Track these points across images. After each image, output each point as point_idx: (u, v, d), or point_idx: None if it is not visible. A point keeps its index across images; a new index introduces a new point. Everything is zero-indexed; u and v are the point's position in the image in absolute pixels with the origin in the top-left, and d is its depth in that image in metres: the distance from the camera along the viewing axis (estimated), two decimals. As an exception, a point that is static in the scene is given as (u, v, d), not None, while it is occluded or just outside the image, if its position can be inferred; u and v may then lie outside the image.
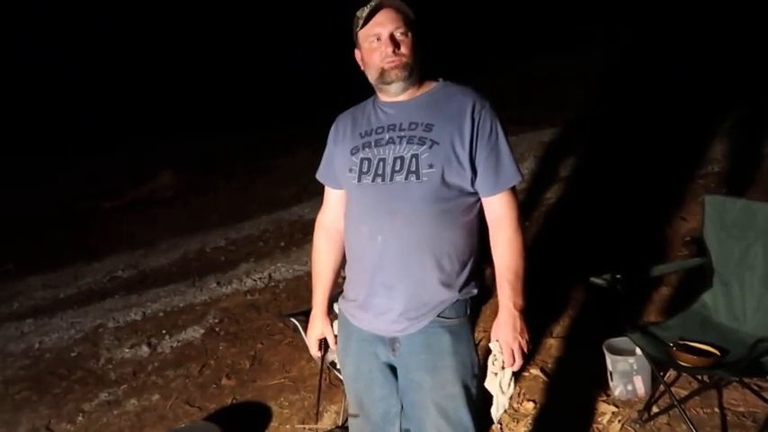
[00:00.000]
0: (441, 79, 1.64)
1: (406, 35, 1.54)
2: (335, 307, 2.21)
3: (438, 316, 1.55)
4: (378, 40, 1.54)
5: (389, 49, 1.53)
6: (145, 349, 3.87)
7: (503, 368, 1.54)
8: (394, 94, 1.59)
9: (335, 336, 1.79)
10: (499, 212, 1.56)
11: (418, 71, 1.58)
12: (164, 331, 4.07)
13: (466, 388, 1.56)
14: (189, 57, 13.16)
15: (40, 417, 3.33)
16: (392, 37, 1.53)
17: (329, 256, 1.76)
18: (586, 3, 10.06)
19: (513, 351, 1.51)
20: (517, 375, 1.56)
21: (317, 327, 1.79)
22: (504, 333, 1.52)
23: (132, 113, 12.12)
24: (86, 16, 13.75)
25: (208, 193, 7.78)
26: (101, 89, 13.04)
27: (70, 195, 8.62)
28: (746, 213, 2.31)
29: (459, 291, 1.56)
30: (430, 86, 1.62)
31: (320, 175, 1.76)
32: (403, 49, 1.54)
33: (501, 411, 1.57)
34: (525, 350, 1.53)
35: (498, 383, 1.55)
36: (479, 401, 1.60)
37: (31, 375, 3.86)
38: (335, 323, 1.81)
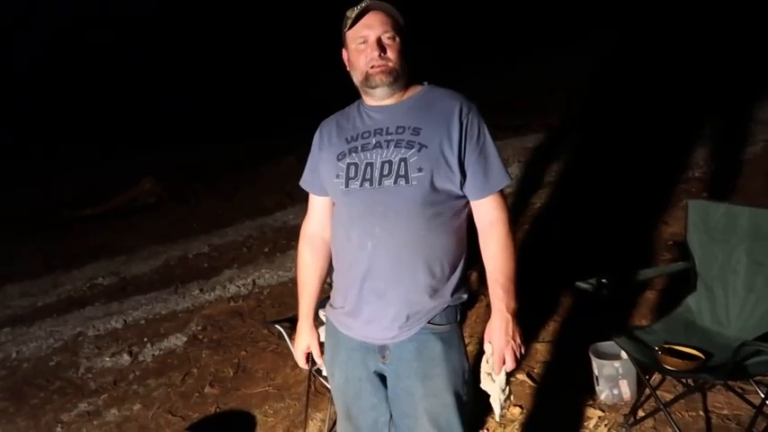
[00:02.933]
0: (426, 83, 1.63)
1: (394, 39, 1.53)
2: (321, 314, 2.19)
3: (429, 322, 1.53)
4: (364, 42, 1.53)
5: (375, 53, 1.51)
6: (126, 358, 3.80)
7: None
8: (379, 98, 1.57)
9: (322, 344, 1.76)
10: (490, 215, 1.55)
11: (405, 76, 1.56)
12: (145, 339, 4.00)
13: (457, 395, 1.54)
14: (173, 67, 13.13)
15: (17, 428, 3.25)
16: (379, 41, 1.52)
17: (315, 266, 1.74)
18: (568, 9, 10.19)
19: (504, 355, 1.50)
20: (509, 375, 1.56)
21: (304, 340, 1.77)
22: (497, 337, 1.51)
23: (114, 122, 12.04)
24: (75, 23, 13.67)
25: (190, 201, 7.71)
26: (84, 97, 12.94)
27: (49, 202, 8.49)
28: (729, 217, 2.34)
29: (451, 296, 1.55)
30: (415, 90, 1.60)
31: (304, 183, 1.73)
32: (389, 54, 1.52)
33: (500, 409, 1.58)
34: (518, 353, 1.52)
35: (497, 384, 1.55)
36: (470, 408, 1.59)
37: (7, 386, 3.77)
38: (321, 329, 1.79)
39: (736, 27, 7.58)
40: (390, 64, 1.52)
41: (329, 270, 1.74)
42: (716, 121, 5.37)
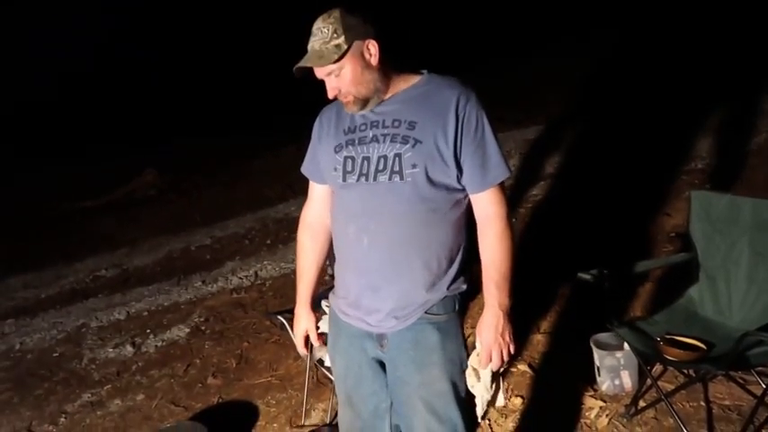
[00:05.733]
0: (425, 72, 1.58)
1: (341, 71, 1.47)
2: (323, 304, 2.20)
3: (426, 312, 1.53)
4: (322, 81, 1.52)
5: (332, 94, 1.51)
6: (129, 349, 3.82)
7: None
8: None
9: (321, 333, 1.77)
10: (487, 209, 1.53)
11: (375, 87, 1.50)
12: (148, 330, 4.02)
13: (454, 384, 1.55)
14: (172, 60, 13.11)
15: (22, 419, 3.27)
16: (329, 81, 1.49)
17: (313, 252, 1.74)
18: (570, 3, 10.13)
19: (491, 352, 1.50)
20: (505, 371, 1.55)
21: (302, 325, 1.77)
22: (486, 333, 1.50)
23: (114, 116, 12.03)
24: (76, 15, 13.67)
25: (191, 193, 7.71)
26: (85, 91, 12.94)
27: (50, 195, 8.50)
28: (732, 208, 2.33)
29: (448, 288, 1.54)
30: (413, 80, 1.55)
31: (305, 170, 1.72)
32: (344, 89, 1.49)
33: (483, 408, 1.58)
34: (506, 351, 1.51)
35: (482, 382, 1.55)
36: (469, 398, 1.59)
37: (11, 377, 3.79)
38: (323, 319, 1.80)
39: (739, 18, 7.53)
40: (351, 96, 1.50)
41: (330, 259, 1.74)
42: (719, 112, 5.34)
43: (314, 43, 1.48)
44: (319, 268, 1.76)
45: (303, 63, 1.48)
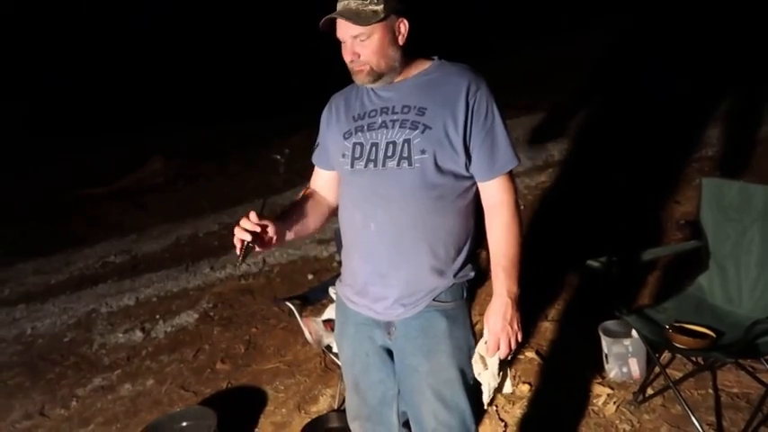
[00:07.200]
0: (436, 58, 1.58)
1: (368, 37, 1.46)
2: (330, 291, 2.21)
3: (434, 300, 1.53)
4: (343, 42, 1.50)
5: (349, 58, 1.49)
6: (138, 334, 3.85)
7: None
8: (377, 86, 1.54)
9: (328, 320, 1.77)
10: (495, 198, 1.52)
11: (395, 66, 1.50)
12: (157, 316, 4.05)
13: (462, 372, 1.55)
14: (180, 47, 13.08)
15: (34, 402, 3.31)
16: (353, 44, 1.47)
17: (304, 202, 1.64)
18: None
19: (499, 339, 1.50)
20: (513, 358, 1.55)
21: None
22: (494, 321, 1.50)
23: (122, 103, 12.05)
24: (79, 5, 13.66)
25: (199, 180, 7.73)
26: (92, 78, 12.95)
27: (59, 182, 8.54)
28: (743, 196, 2.31)
29: (455, 275, 1.54)
30: (424, 66, 1.55)
31: (315, 158, 1.71)
32: (364, 57, 1.47)
33: (490, 396, 1.58)
34: (514, 339, 1.51)
35: (490, 370, 1.55)
36: (476, 385, 1.60)
37: (23, 361, 3.84)
38: (331, 307, 1.80)
39: (750, 7, 7.42)
40: (368, 66, 1.48)
41: (338, 246, 1.73)
42: (729, 100, 5.29)
43: (350, 2, 1.46)
44: (301, 213, 1.61)
45: (338, 15, 1.46)
